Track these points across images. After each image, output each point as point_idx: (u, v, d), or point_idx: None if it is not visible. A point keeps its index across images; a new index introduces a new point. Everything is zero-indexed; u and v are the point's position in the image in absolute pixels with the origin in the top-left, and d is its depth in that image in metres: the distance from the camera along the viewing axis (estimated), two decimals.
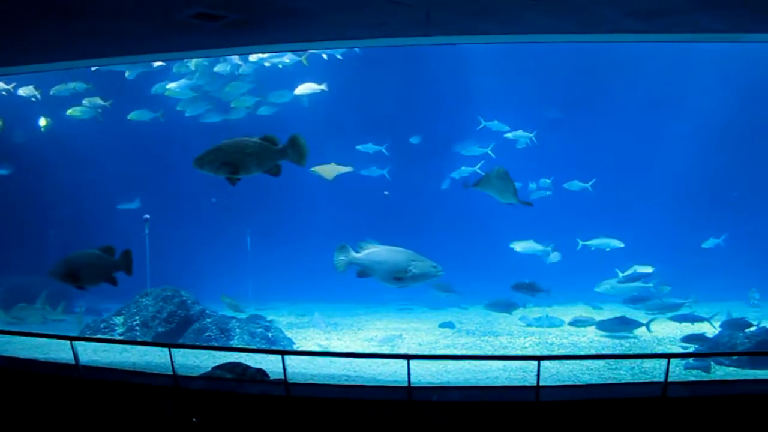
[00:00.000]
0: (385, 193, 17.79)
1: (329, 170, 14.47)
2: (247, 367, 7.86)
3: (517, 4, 5.87)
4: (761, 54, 16.64)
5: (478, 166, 17.30)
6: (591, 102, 19.65)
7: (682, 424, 6.66)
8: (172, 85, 16.47)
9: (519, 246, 15.91)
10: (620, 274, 15.54)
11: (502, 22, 6.51)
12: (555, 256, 16.38)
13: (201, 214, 20.00)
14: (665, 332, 13.61)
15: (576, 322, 14.24)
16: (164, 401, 6.61)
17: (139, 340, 12.92)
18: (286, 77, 16.77)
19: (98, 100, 16.53)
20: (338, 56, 16.96)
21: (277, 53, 15.41)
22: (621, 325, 13.52)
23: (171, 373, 7.14)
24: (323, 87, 16.42)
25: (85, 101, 16.64)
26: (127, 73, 16.65)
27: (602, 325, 13.69)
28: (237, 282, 18.23)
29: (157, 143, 18.26)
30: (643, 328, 13.41)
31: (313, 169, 14.37)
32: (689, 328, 13.34)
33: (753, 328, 12.03)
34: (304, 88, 16.40)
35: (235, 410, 6.82)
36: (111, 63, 13.91)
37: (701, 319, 13.56)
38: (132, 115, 17.02)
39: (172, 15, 6.79)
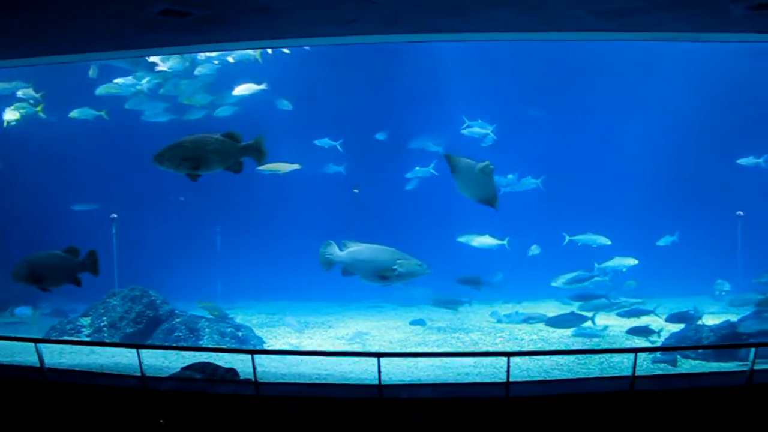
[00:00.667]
0: (355, 190, 17.74)
1: (277, 168, 14.43)
2: (217, 367, 7.80)
3: (486, 3, 5.90)
4: (728, 53, 16.94)
5: (431, 166, 17.38)
6: (560, 100, 19.81)
7: (650, 416, 6.77)
8: (118, 80, 16.06)
9: (475, 241, 15.92)
10: (597, 266, 15.70)
11: (472, 21, 6.54)
12: (534, 249, 16.55)
13: (169, 212, 19.77)
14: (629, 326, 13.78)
15: (528, 319, 14.29)
16: (130, 403, 6.53)
17: (106, 341, 12.73)
18: (248, 74, 16.61)
19: (31, 92, 16.08)
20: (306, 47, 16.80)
21: (243, 50, 15.26)
22: (569, 322, 13.60)
23: (139, 374, 7.06)
24: (263, 86, 16.26)
25: (19, 92, 16.17)
26: (91, 72, 16.32)
27: (551, 322, 13.73)
28: (206, 281, 18.06)
29: (124, 141, 18.01)
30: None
31: (259, 168, 14.29)
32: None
33: (702, 321, 12.39)
34: (243, 89, 16.21)
35: (205, 410, 6.76)
36: (77, 60, 13.65)
37: (646, 312, 13.72)
38: (74, 113, 16.56)
39: (137, 11, 6.70)
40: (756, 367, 7.03)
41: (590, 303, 14.01)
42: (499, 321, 14.86)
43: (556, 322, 13.69)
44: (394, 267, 9.04)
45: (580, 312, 13.74)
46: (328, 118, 18.58)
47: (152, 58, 15.57)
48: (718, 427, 6.86)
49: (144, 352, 7.28)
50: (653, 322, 13.16)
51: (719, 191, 18.29)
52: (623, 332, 13.15)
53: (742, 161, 17.03)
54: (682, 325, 12.39)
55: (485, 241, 15.90)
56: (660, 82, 18.86)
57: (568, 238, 16.17)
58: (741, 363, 9.78)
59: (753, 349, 7.11)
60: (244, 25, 6.99)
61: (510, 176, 17.56)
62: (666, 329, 12.62)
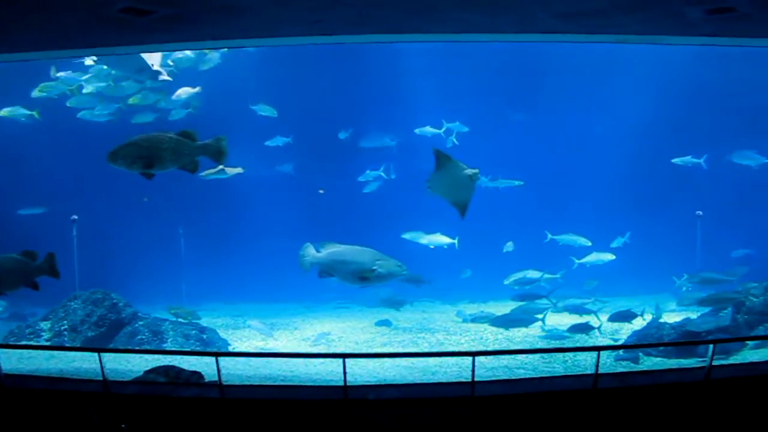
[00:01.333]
0: (320, 191, 17.71)
1: (220, 173, 14.34)
2: (181, 370, 7.70)
3: (452, 4, 5.92)
4: (692, 55, 17.24)
5: (381, 169, 17.44)
6: (524, 100, 20.01)
7: (613, 413, 6.86)
8: (60, 73, 15.67)
9: (423, 238, 15.97)
10: (577, 261, 15.92)
11: (438, 21, 6.55)
12: (509, 246, 16.68)
13: (132, 213, 19.48)
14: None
15: (476, 319, 14.35)
16: (91, 408, 6.41)
17: (67, 345, 12.49)
18: (207, 76, 16.44)
19: None
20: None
21: (208, 49, 15.09)
22: (515, 321, 13.72)
23: (101, 378, 6.93)
24: (197, 90, 16.08)
25: None
26: (52, 72, 15.97)
27: (496, 322, 13.78)
28: (170, 283, 17.85)
29: (85, 141, 17.69)
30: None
31: (203, 174, 14.21)
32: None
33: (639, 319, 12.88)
34: (180, 93, 15.98)
35: (169, 414, 6.67)
36: (35, 58, 13.36)
37: (588, 311, 13.94)
38: (3, 112, 16.18)
39: (99, 9, 6.59)
40: (714, 363, 7.19)
41: (533, 303, 14.17)
42: (465, 321, 14.96)
43: (502, 322, 13.76)
44: (374, 268, 8.97)
45: (525, 312, 13.84)
46: (288, 118, 18.40)
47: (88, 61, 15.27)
48: (679, 422, 6.99)
49: (106, 356, 7.15)
50: (594, 320, 13.43)
51: (682, 191, 18.62)
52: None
53: (676, 161, 17.15)
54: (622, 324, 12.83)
55: (435, 239, 15.94)
56: (625, 83, 19.17)
57: (550, 236, 16.24)
58: (700, 359, 9.99)
59: (711, 346, 7.26)
60: (208, 24, 6.92)
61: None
62: (608, 328, 13.01)
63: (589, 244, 16.29)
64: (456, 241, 15.90)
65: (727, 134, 18.86)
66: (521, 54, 18.30)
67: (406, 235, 16.03)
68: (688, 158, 16.98)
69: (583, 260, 15.99)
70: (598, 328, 12.95)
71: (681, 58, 17.76)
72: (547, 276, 15.02)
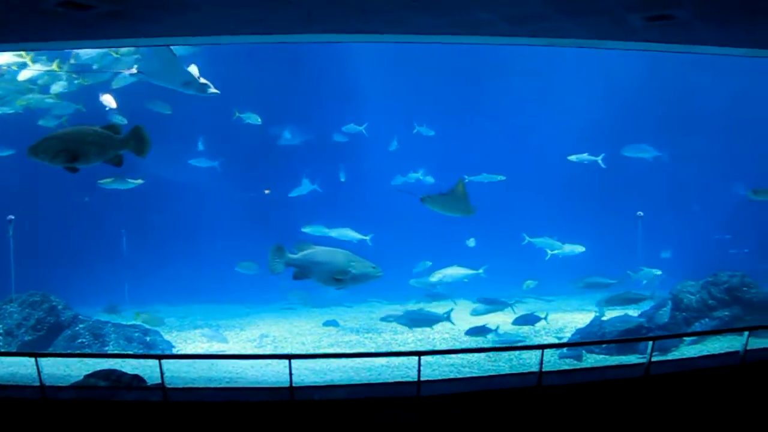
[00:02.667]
0: (266, 191, 17.57)
1: (119, 182, 14.11)
2: (123, 374, 7.53)
3: (398, 5, 5.93)
4: (641, 59, 17.68)
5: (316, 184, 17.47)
6: (468, 101, 20.21)
7: (557, 410, 6.98)
8: None
9: (334, 232, 16.01)
10: (549, 253, 16.13)
11: (385, 22, 6.55)
12: (471, 242, 16.90)
13: (73, 214, 18.97)
14: (540, 324, 14.18)
15: (386, 318, 14.24)
16: (26, 415, 6.20)
17: (2, 351, 12.07)
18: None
19: None
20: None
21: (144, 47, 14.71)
22: (423, 320, 13.83)
23: (38, 384, 6.72)
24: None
25: None
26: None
27: (403, 320, 13.82)
28: (112, 285, 17.46)
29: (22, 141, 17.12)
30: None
31: (101, 181, 13.95)
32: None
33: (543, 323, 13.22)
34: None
35: (110, 419, 6.51)
36: None
37: (504, 307, 14.28)
38: None
39: (35, 2, 6.38)
40: (654, 359, 7.39)
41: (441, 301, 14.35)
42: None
43: (408, 321, 13.85)
44: (348, 269, 8.92)
45: (431, 310, 14.07)
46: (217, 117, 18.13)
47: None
48: (620, 417, 7.16)
49: (44, 360, 6.91)
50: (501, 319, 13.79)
51: (625, 191, 19.08)
52: (533, 330, 13.57)
53: (572, 158, 17.35)
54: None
55: (346, 233, 15.97)
56: (573, 86, 19.54)
57: (527, 239, 16.34)
58: (641, 356, 10.26)
59: (650, 343, 7.46)
60: (150, 22, 6.77)
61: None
62: (506, 329, 13.31)
63: (564, 249, 16.35)
64: (368, 238, 15.92)
65: (670, 136, 19.44)
66: (466, 55, 18.49)
67: (307, 229, 16.00)
68: (584, 156, 17.16)
69: (556, 252, 16.17)
70: (496, 329, 13.12)
71: (628, 62, 18.24)
72: (470, 273, 15.14)
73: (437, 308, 15.43)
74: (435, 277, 15.14)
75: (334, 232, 15.95)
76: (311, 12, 5.91)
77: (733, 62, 13.96)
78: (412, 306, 16.08)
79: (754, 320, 12.29)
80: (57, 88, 14.80)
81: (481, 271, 15.44)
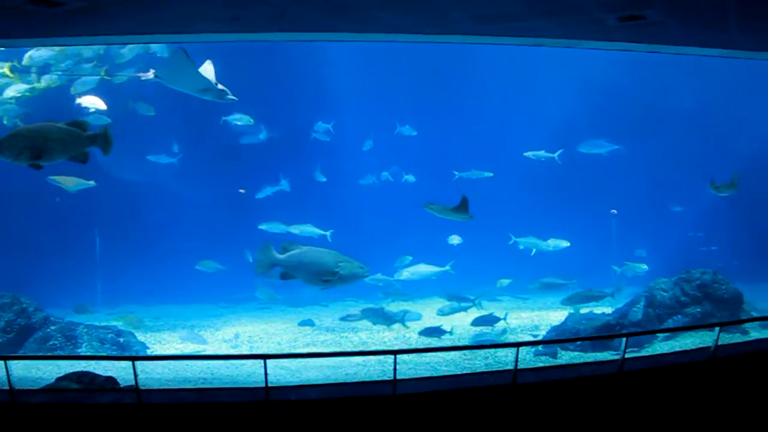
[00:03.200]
0: (241, 190, 17.44)
1: (69, 182, 13.93)
2: (96, 376, 7.43)
3: (372, 4, 5.92)
4: (621, 59, 17.84)
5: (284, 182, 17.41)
6: (441, 100, 20.27)
7: (532, 407, 7.03)
8: None
9: (295, 229, 16.00)
10: (534, 250, 16.22)
11: (358, 21, 6.54)
12: (455, 239, 17.12)
13: (44, 214, 18.68)
14: (517, 323, 14.29)
15: (347, 317, 14.27)
16: None
17: None
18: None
19: None
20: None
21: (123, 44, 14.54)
22: (381, 319, 13.95)
23: (7, 388, 6.60)
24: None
25: None
26: None
27: (365, 317, 13.96)
28: (84, 285, 17.23)
29: None
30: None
31: (51, 177, 13.77)
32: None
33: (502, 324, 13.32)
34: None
35: (83, 422, 6.42)
36: None
37: (468, 300, 14.37)
38: None
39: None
40: (627, 356, 7.47)
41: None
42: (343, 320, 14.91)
43: (371, 318, 14.02)
44: (336, 270, 8.87)
45: (386, 310, 14.19)
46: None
47: None
48: (595, 414, 7.23)
49: (13, 363, 6.80)
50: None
51: (601, 190, 19.26)
52: (509, 328, 13.65)
53: (528, 154, 17.49)
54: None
55: (307, 229, 15.96)
56: (548, 85, 19.68)
57: (513, 239, 16.36)
58: (615, 352, 10.37)
59: (624, 339, 7.54)
60: (122, 18, 6.69)
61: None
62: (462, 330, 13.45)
63: (551, 248, 16.41)
64: (329, 234, 15.94)
65: (645, 134, 19.67)
66: (442, 53, 18.54)
67: (263, 226, 16.02)
68: (540, 153, 17.26)
69: (541, 246, 16.25)
70: (450, 331, 13.22)
71: (604, 61, 18.41)
72: (436, 270, 15.17)
73: (413, 307, 15.52)
74: (403, 275, 15.15)
75: (295, 229, 15.90)
76: (285, 10, 5.88)
77: (708, 62, 14.17)
78: (387, 305, 16.08)
79: (725, 316, 12.51)
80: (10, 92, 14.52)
81: (447, 267, 15.45)
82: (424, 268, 15.21)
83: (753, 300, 13.57)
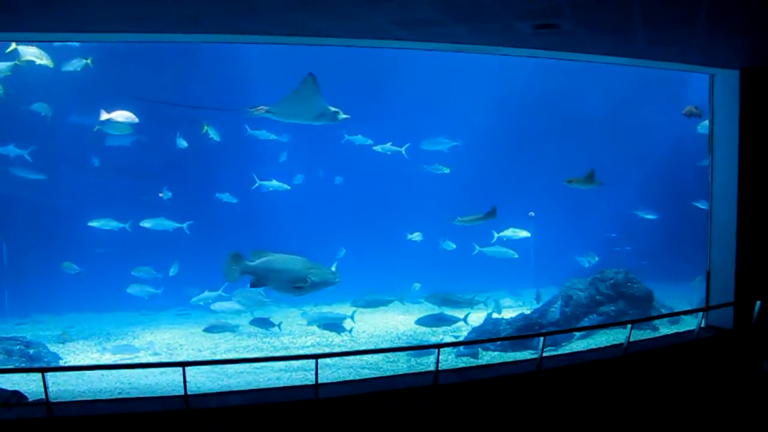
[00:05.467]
0: (159, 194, 16.99)
1: None
2: (1, 391, 7.09)
3: (290, 6, 5.86)
4: (530, 66, 18.26)
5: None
6: (363, 104, 20.28)
7: (453, 407, 7.13)
8: None
9: (148, 223, 15.84)
10: (496, 235, 16.33)
11: (275, 23, 6.46)
12: (417, 236, 17.51)
13: None
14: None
15: (211, 328, 14.09)
16: None
17: None
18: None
19: None
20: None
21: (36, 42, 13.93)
22: (261, 324, 14.05)
23: None
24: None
25: None
26: None
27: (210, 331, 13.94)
28: None
29: None
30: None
31: None
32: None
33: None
34: None
35: None
36: None
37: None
38: None
39: None
40: (545, 354, 7.68)
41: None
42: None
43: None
44: (308, 276, 8.76)
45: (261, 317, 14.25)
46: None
47: None
48: (514, 411, 7.40)
49: None
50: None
51: (518, 194, 19.67)
52: (431, 331, 13.80)
53: (377, 148, 17.63)
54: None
55: (162, 223, 15.84)
56: (466, 90, 19.98)
57: (477, 249, 16.35)
58: (534, 351, 10.62)
59: (542, 339, 7.75)
60: (29, 14, 6.40)
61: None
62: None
63: (516, 256, 16.44)
64: (185, 226, 15.89)
65: (559, 139, 20.24)
66: (363, 57, 18.60)
67: (94, 223, 15.82)
68: (388, 146, 17.49)
69: (502, 234, 16.40)
70: (279, 325, 13.65)
71: (523, 68, 18.85)
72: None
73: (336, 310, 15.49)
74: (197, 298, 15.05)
75: (148, 223, 15.65)
76: (200, 10, 5.76)
77: (618, 69, 14.71)
78: (310, 308, 16.01)
79: (636, 313, 13.03)
80: None
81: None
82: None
83: (662, 297, 14.18)
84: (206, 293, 15.08)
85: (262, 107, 10.02)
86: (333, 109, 10.37)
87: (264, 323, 13.78)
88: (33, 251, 17.41)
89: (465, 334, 13.34)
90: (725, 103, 9.06)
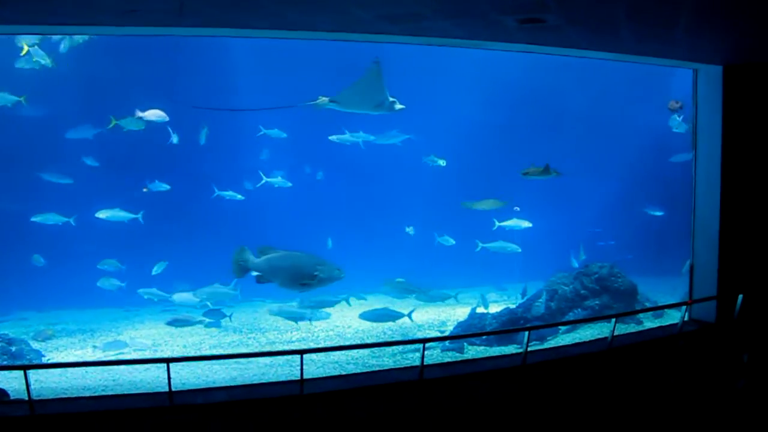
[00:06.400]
0: (144, 189, 16.86)
1: None
2: None
3: (272, 0, 5.83)
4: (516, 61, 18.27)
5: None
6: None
7: (439, 402, 7.14)
8: None
9: (103, 214, 15.67)
10: (498, 223, 16.38)
11: (260, 17, 6.42)
12: (410, 230, 17.68)
13: None
14: (424, 318, 14.47)
15: (175, 322, 13.92)
16: None
17: None
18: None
19: None
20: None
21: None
22: (213, 316, 14.08)
23: None
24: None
25: None
26: None
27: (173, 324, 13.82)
28: None
29: None
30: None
31: None
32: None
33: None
34: None
35: None
36: None
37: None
38: None
39: None
40: (531, 349, 7.71)
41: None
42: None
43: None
44: (315, 273, 8.73)
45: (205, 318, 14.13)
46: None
47: None
48: (499, 405, 7.42)
49: None
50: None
51: (505, 188, 19.71)
52: (415, 325, 13.80)
53: (333, 138, 17.35)
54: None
55: (116, 214, 15.69)
56: (454, 85, 19.98)
57: (480, 245, 16.31)
58: (519, 346, 10.67)
59: (527, 333, 7.78)
60: (10, 7, 6.33)
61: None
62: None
63: (519, 250, 16.41)
64: (140, 216, 15.75)
65: (546, 135, 20.29)
66: (349, 53, 18.50)
67: (37, 218, 15.74)
68: (345, 137, 17.28)
69: (503, 223, 16.40)
70: (230, 316, 13.84)
71: (509, 64, 18.87)
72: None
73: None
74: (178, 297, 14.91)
75: (103, 214, 15.51)
76: (184, 3, 5.71)
77: (604, 64, 14.76)
78: (296, 304, 15.96)
79: (620, 307, 13.10)
80: None
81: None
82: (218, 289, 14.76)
83: (646, 291, 14.26)
84: (155, 289, 15.10)
85: (324, 98, 9.95)
86: (392, 99, 10.39)
87: (216, 314, 13.84)
88: (15, 248, 17.22)
89: (451, 328, 13.38)
90: (708, 99, 9.13)
